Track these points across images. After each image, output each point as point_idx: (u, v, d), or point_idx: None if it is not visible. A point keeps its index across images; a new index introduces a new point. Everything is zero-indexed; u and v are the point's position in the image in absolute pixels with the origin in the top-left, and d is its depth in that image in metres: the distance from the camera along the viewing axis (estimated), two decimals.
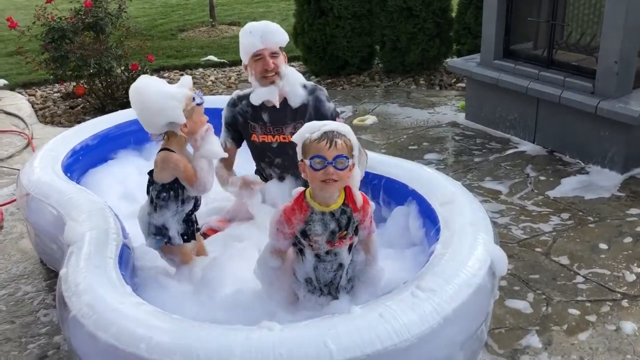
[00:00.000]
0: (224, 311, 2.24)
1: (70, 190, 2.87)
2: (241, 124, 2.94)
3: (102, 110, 5.41)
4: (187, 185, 2.42)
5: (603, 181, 3.69)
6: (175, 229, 2.49)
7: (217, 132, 3.22)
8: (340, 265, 2.24)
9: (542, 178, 3.79)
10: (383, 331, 1.81)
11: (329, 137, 2.00)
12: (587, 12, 3.94)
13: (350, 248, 2.23)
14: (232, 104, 2.95)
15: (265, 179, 3.06)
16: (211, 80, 6.56)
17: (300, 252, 2.22)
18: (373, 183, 2.97)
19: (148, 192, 2.49)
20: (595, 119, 3.74)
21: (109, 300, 2.01)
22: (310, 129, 2.06)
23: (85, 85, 5.63)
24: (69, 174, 3.23)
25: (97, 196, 2.86)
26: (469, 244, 2.25)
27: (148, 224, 2.50)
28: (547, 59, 4.10)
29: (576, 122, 3.90)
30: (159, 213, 2.46)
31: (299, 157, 2.10)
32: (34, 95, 6.34)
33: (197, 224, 2.64)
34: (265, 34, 2.72)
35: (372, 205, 2.23)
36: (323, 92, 2.94)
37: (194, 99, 2.39)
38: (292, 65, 6.57)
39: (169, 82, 2.47)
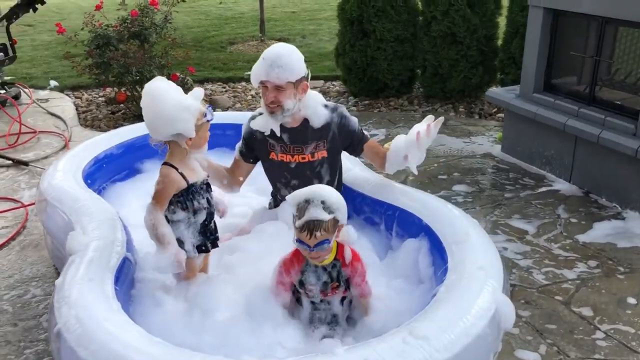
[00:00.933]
0: (212, 336, 2.19)
1: (84, 198, 2.89)
2: (259, 140, 2.91)
3: (140, 117, 5.44)
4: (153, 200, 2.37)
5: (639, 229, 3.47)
6: (190, 241, 2.47)
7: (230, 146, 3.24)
8: (334, 316, 2.36)
9: (573, 220, 3.60)
10: None
11: (310, 228, 2.15)
12: (635, 50, 3.74)
13: (342, 301, 2.38)
14: (252, 118, 2.93)
15: (281, 200, 3.02)
16: (251, 95, 6.59)
17: (298, 300, 2.40)
18: (387, 213, 2.88)
19: None
20: (636, 163, 3.54)
21: (94, 316, 1.99)
22: (297, 201, 2.20)
23: (127, 92, 5.75)
24: (89, 181, 3.27)
25: (110, 206, 2.87)
26: (475, 290, 2.12)
27: None
28: (589, 96, 3.92)
29: (615, 163, 3.70)
30: (173, 227, 2.44)
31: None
32: (80, 98, 6.53)
33: (216, 233, 2.59)
34: (273, 68, 2.61)
35: (363, 264, 2.32)
36: (344, 109, 2.94)
37: (205, 114, 2.37)
38: (333, 85, 6.65)
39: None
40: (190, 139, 2.32)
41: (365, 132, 2.99)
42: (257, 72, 2.68)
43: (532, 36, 4.18)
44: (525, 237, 3.43)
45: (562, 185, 4.07)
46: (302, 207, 2.18)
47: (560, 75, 4.21)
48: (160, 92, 2.31)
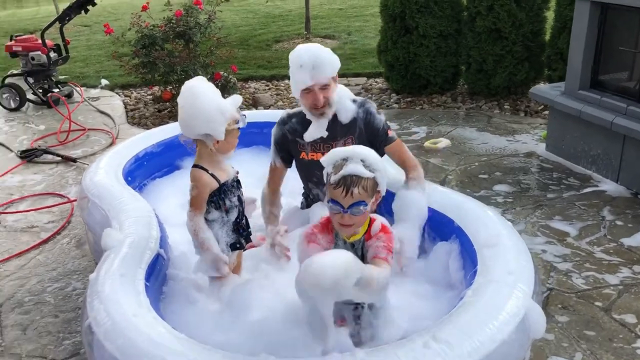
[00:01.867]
0: (240, 336, 2.20)
1: (122, 195, 2.97)
2: (290, 141, 2.92)
3: None
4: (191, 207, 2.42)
5: None
6: (224, 240, 2.51)
7: (266, 144, 3.25)
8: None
9: (619, 223, 3.46)
10: None
11: (347, 184, 1.96)
12: None
13: None
14: (282, 122, 2.93)
15: (312, 201, 3.03)
16: None
17: None
18: None
19: None
20: None
21: (124, 311, 2.04)
22: (333, 160, 2.02)
23: (172, 91, 5.88)
24: (129, 178, 3.37)
25: (146, 203, 2.94)
26: (503, 295, 2.07)
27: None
28: (638, 93, 3.75)
29: None
30: (209, 227, 2.48)
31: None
32: (129, 96, 6.72)
33: (249, 230, 2.63)
34: (315, 69, 2.60)
35: (391, 239, 2.08)
36: (372, 105, 2.88)
37: (238, 121, 2.41)
38: (375, 82, 6.61)
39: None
40: (218, 141, 2.36)
41: (392, 134, 2.84)
42: (300, 80, 2.63)
43: (579, 31, 4.03)
44: (566, 240, 3.31)
45: (608, 186, 3.91)
46: (339, 164, 1.99)
47: (608, 71, 4.05)
48: (199, 91, 2.36)
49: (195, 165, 2.44)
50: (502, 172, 4.22)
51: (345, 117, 2.80)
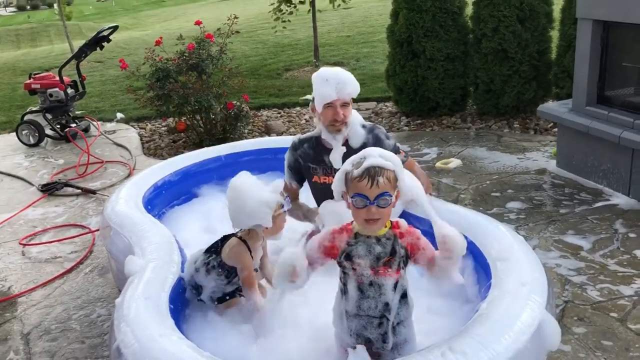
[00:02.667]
0: (262, 356, 2.27)
1: (143, 222, 3.08)
2: (303, 166, 3.02)
3: (200, 144, 5.74)
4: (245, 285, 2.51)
5: None
6: (207, 295, 2.58)
7: (281, 169, 3.34)
8: (386, 305, 2.07)
9: (632, 235, 3.49)
10: None
11: (371, 174, 1.97)
12: None
13: (395, 286, 2.08)
14: (294, 147, 3.03)
15: None
16: (305, 119, 6.75)
17: (344, 285, 2.12)
18: (432, 231, 2.89)
19: (210, 249, 2.61)
20: None
21: (150, 332, 2.12)
22: (353, 161, 2.05)
23: (186, 122, 6.02)
24: (149, 207, 3.47)
25: (167, 229, 3.03)
26: (517, 306, 2.12)
27: (191, 276, 2.60)
28: None
29: None
30: (207, 278, 2.57)
31: (339, 189, 2.08)
32: (144, 128, 6.88)
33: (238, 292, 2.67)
34: (341, 85, 2.77)
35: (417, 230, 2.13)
36: (381, 131, 2.99)
37: (283, 205, 2.50)
38: (385, 106, 6.72)
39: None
40: (267, 228, 2.47)
41: (403, 155, 2.94)
42: (324, 94, 2.77)
43: (583, 49, 4.12)
44: (579, 253, 3.35)
45: (620, 200, 3.95)
46: (359, 162, 2.01)
47: (614, 87, 4.12)
48: (243, 188, 2.49)
49: (240, 238, 2.53)
50: (514, 190, 4.28)
51: (355, 142, 2.90)
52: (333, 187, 2.11)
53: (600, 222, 3.69)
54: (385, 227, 2.08)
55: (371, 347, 2.12)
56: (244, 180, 2.51)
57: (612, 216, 3.75)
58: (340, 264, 2.10)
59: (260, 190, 2.48)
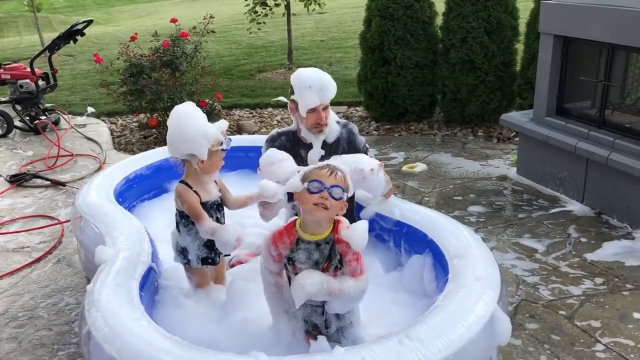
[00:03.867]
0: (227, 337, 2.36)
1: (114, 213, 3.13)
2: None
3: None
4: (196, 219, 2.56)
5: None
6: (194, 252, 2.65)
7: (252, 167, 3.44)
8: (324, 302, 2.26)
9: (583, 240, 3.69)
10: None
11: (331, 167, 2.17)
12: None
13: None
14: (272, 139, 3.12)
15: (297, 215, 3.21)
16: (277, 120, 6.85)
17: (289, 279, 2.31)
18: (395, 230, 3.03)
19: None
20: None
21: (120, 317, 2.19)
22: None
23: (158, 118, 6.06)
24: (120, 199, 3.52)
25: (137, 220, 3.10)
26: (471, 299, 2.25)
27: (176, 242, 2.69)
28: (599, 119, 4.03)
29: (625, 185, 3.79)
30: (182, 236, 2.65)
31: (296, 188, 2.20)
32: (115, 123, 6.88)
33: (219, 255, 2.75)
34: (323, 90, 2.87)
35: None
36: (354, 127, 3.13)
37: (221, 143, 2.57)
38: (355, 110, 6.85)
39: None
40: (202, 161, 2.53)
41: (371, 155, 3.03)
42: (309, 100, 2.86)
43: (544, 62, 4.32)
44: (534, 255, 3.53)
45: (574, 207, 4.16)
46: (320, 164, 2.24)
47: (572, 99, 4.34)
48: (186, 114, 2.54)
49: (181, 181, 2.61)
50: (475, 195, 4.45)
51: (330, 137, 3.03)
52: (290, 182, 2.25)
53: (555, 227, 3.88)
54: (328, 230, 2.20)
55: (318, 331, 2.31)
56: (188, 108, 2.55)
57: (566, 222, 3.95)
58: (284, 265, 2.29)
59: (201, 120, 2.52)
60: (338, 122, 3.07)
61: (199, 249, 2.64)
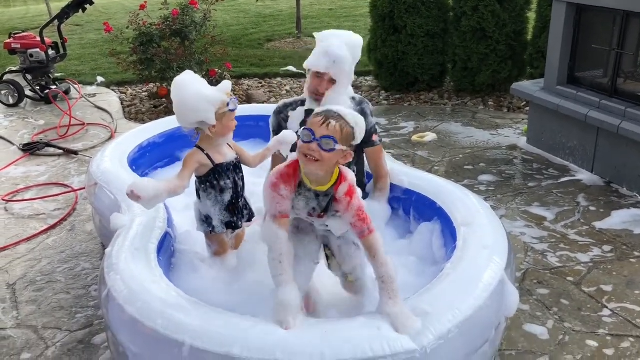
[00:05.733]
0: (245, 299, 2.42)
1: (129, 180, 3.17)
2: (285, 129, 3.13)
3: None
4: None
5: None
6: (218, 218, 2.68)
7: (264, 138, 3.48)
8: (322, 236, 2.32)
9: (592, 208, 3.72)
10: (377, 344, 1.90)
11: (327, 116, 2.02)
12: None
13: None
14: (278, 111, 3.14)
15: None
16: (286, 90, 6.84)
17: None
18: (404, 198, 3.06)
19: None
20: None
21: (140, 279, 2.25)
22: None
23: (168, 87, 6.07)
24: (133, 167, 3.56)
25: None
26: (479, 266, 2.29)
27: (198, 211, 2.72)
28: (610, 88, 4.01)
29: (636, 154, 3.79)
30: (202, 203, 2.69)
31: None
32: (125, 93, 6.90)
33: (246, 211, 2.78)
34: (337, 64, 2.81)
35: (357, 198, 2.14)
36: (368, 106, 3.09)
37: (228, 104, 2.54)
38: (365, 80, 6.84)
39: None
40: (214, 126, 2.54)
41: (376, 139, 3.04)
42: (317, 62, 2.82)
43: (556, 30, 4.29)
44: (543, 223, 3.56)
45: (584, 176, 4.17)
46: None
47: (583, 68, 4.31)
48: (184, 84, 2.53)
49: (195, 146, 2.65)
50: (485, 164, 4.47)
51: None
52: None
53: (564, 195, 3.90)
54: (330, 183, 2.11)
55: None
56: (186, 77, 2.54)
57: (575, 190, 3.97)
58: None
59: (202, 87, 2.50)
60: (353, 99, 3.04)
61: (221, 214, 2.68)
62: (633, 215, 3.61)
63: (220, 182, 2.64)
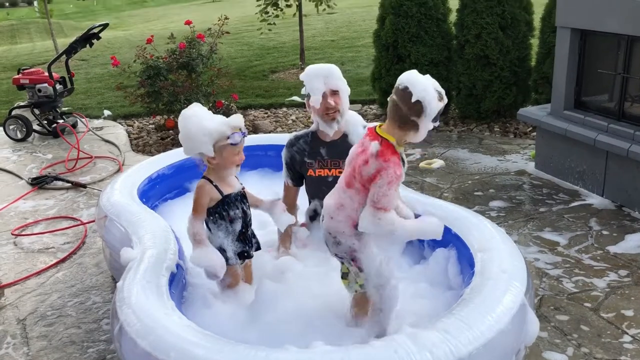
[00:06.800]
0: (257, 334, 2.39)
1: (139, 212, 3.17)
2: (298, 162, 3.15)
3: None
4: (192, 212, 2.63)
5: None
6: (231, 249, 2.68)
7: (273, 167, 3.50)
8: None
9: (605, 232, 3.68)
10: None
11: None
12: None
13: None
14: (290, 144, 3.17)
15: (314, 218, 3.22)
16: (292, 120, 6.87)
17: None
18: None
19: None
20: None
21: (152, 312, 2.23)
22: None
23: (175, 119, 6.11)
24: (144, 199, 3.56)
25: (162, 219, 3.13)
26: (499, 291, 2.26)
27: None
28: (618, 112, 4.02)
29: None
30: (214, 235, 2.68)
31: None
32: (132, 126, 6.94)
33: (254, 239, 2.80)
34: (328, 77, 2.98)
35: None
36: None
37: (228, 137, 2.55)
38: (370, 108, 6.87)
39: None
40: (213, 158, 2.56)
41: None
42: (314, 87, 2.97)
43: (561, 56, 4.32)
44: (556, 249, 3.53)
45: (594, 200, 4.15)
46: None
47: (590, 92, 4.33)
48: (187, 117, 2.59)
49: (203, 177, 2.65)
50: (495, 190, 4.45)
51: (354, 140, 3.06)
52: None
53: (576, 220, 3.87)
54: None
55: None
56: (191, 109, 2.61)
57: (587, 215, 3.94)
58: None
59: (204, 119, 2.55)
60: (365, 127, 3.08)
61: (234, 244, 2.67)
62: None
63: (230, 212, 2.64)
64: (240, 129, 2.58)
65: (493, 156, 5.15)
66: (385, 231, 2.23)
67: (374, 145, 2.20)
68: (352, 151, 2.35)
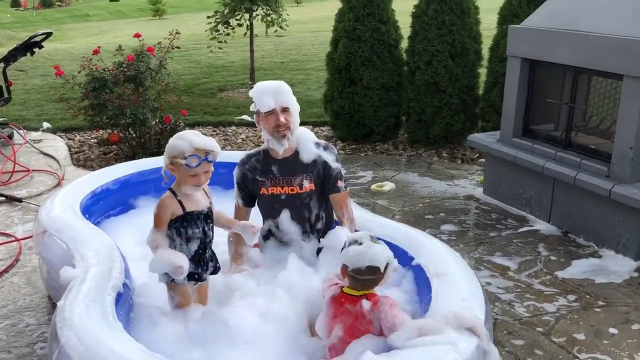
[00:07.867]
0: (204, 354, 2.27)
1: (83, 228, 2.99)
2: (250, 180, 3.06)
3: (132, 157, 5.60)
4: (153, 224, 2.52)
5: (615, 266, 3.62)
6: None
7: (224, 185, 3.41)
8: None
9: (552, 258, 3.75)
10: None
11: None
12: (606, 98, 4.00)
13: None
14: (242, 162, 3.08)
15: (268, 238, 3.12)
16: (241, 138, 6.77)
17: None
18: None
19: None
20: (609, 203, 3.72)
21: (97, 335, 2.08)
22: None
23: (119, 134, 5.89)
24: (87, 215, 3.37)
25: (107, 236, 2.97)
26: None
27: None
28: (565, 140, 4.14)
29: (591, 204, 3.88)
30: None
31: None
32: (72, 139, 6.66)
33: (211, 263, 2.67)
34: (278, 93, 2.91)
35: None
36: (333, 152, 3.08)
37: (186, 158, 2.47)
38: (321, 130, 6.85)
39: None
40: (172, 170, 2.51)
41: (341, 185, 3.03)
42: (264, 103, 2.89)
43: (511, 84, 4.43)
44: (507, 273, 3.56)
45: (541, 226, 4.23)
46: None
47: (538, 121, 4.45)
48: (178, 134, 2.57)
49: (169, 189, 2.53)
50: (445, 213, 4.48)
51: (306, 158, 3.00)
52: None
53: (524, 245, 3.94)
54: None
55: None
56: (184, 132, 2.58)
57: (535, 240, 4.01)
58: None
59: (188, 133, 2.54)
60: (318, 145, 3.04)
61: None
62: (592, 265, 3.66)
63: (188, 230, 2.52)
64: (206, 153, 2.48)
65: (442, 180, 5.21)
66: None
67: (365, 304, 2.23)
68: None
